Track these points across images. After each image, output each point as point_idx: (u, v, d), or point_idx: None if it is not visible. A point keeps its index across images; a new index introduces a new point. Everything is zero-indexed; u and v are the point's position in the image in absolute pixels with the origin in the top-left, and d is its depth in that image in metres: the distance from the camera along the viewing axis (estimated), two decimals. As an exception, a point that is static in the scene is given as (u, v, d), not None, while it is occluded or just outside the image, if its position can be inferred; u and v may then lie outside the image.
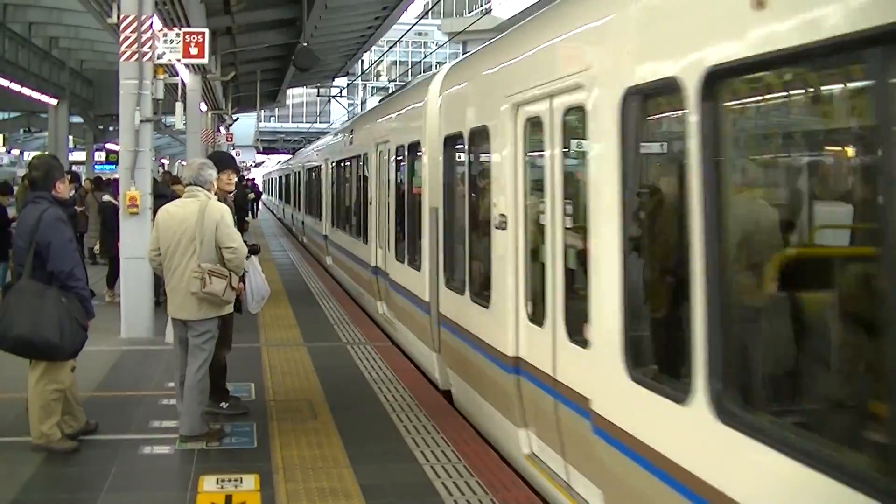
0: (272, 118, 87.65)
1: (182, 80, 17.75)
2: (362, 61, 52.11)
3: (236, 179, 8.69)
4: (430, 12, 67.53)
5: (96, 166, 41.09)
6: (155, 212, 8.86)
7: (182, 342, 7.59)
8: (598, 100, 5.30)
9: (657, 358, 4.97)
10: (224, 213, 7.50)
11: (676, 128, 4.58)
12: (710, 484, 4.04)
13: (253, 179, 65.76)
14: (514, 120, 7.00)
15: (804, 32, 3.45)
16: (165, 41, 12.77)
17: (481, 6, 72.71)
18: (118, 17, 12.06)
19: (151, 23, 12.07)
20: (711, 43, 4.13)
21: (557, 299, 6.19)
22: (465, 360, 8.50)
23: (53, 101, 30.78)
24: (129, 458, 7.19)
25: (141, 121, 11.90)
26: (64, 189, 7.50)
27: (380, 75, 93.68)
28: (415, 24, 28.40)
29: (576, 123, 5.93)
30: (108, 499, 6.33)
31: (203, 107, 26.41)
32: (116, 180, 17.36)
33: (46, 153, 13.06)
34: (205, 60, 13.58)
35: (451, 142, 9.19)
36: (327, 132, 37.55)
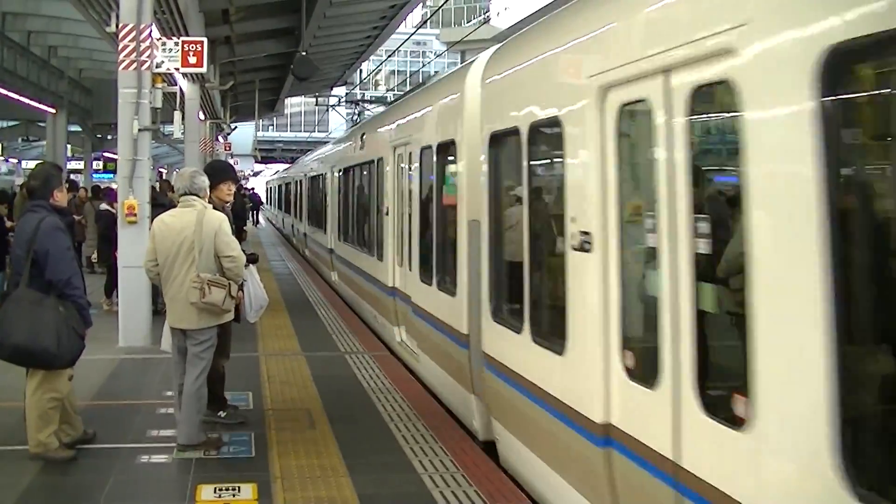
0: (270, 127, 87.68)
1: (180, 89, 17.77)
2: (361, 71, 52.19)
3: (234, 189, 8.69)
4: (428, 22, 67.66)
5: (94, 175, 41.06)
6: (153, 220, 8.84)
7: (181, 351, 7.58)
8: (767, 68, 3.74)
9: None
10: (222, 221, 7.48)
11: None
12: None
13: (253, 189, 65.79)
14: (600, 108, 5.30)
15: None
16: (164, 50, 12.79)
17: (480, 15, 72.86)
18: (117, 26, 12.08)
19: (150, 32, 12.08)
20: None
21: (683, 353, 4.42)
22: (520, 412, 6.89)
23: (52, 110, 30.74)
24: (127, 467, 7.18)
25: (139, 129, 11.90)
26: (62, 197, 7.49)
27: (378, 85, 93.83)
28: (413, 34, 28.42)
29: (714, 106, 4.47)
30: (105, 508, 6.31)
31: (201, 116, 26.45)
32: (112, 189, 17.41)
33: (48, 161, 12.99)
34: (203, 69, 13.60)
35: (499, 140, 7.57)
36: (326, 141, 37.38)
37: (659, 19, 4.81)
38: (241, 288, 7.91)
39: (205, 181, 7.77)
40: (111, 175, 38.35)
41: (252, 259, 8.53)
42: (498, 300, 7.54)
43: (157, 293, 12.46)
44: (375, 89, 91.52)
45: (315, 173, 25.26)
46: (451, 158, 9.33)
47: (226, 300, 7.38)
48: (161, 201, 13.01)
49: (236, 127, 45.17)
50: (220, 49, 24.27)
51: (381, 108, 26.20)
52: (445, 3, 30.85)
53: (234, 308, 7.70)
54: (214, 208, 7.80)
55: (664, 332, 4.58)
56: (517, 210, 7.24)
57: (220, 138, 38.04)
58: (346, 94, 57.23)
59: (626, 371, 5.09)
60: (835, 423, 3.24)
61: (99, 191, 19.72)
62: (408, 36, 28.61)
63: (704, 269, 4.34)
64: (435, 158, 9.89)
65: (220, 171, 8.52)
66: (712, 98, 4.39)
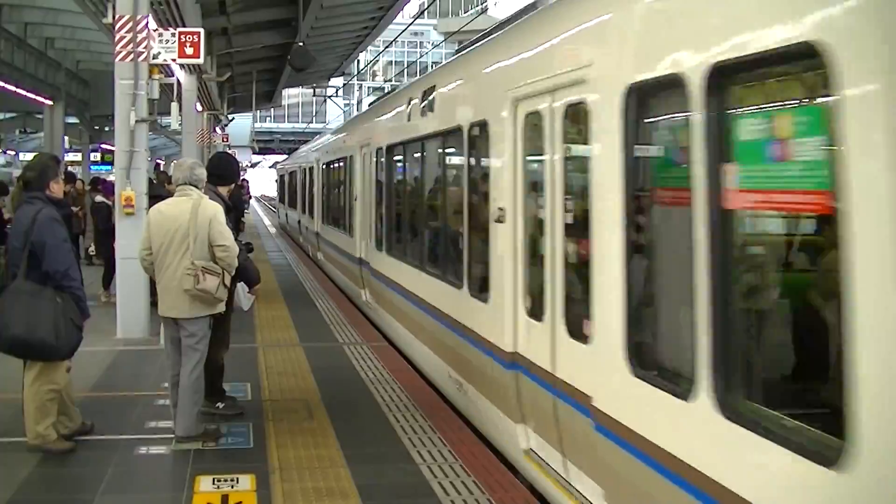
0: (268, 118, 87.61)
1: (178, 81, 17.74)
2: (358, 61, 52.09)
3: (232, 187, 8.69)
4: (425, 12, 67.50)
5: (92, 167, 41.04)
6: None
7: (174, 342, 7.57)
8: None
9: None
10: (217, 211, 7.48)
11: None
12: None
13: (245, 180, 65.69)
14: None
15: None
16: (161, 41, 12.76)
17: (477, 6, 72.70)
18: (113, 18, 12.04)
19: (147, 23, 12.05)
20: None
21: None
22: None
23: (49, 102, 30.70)
24: (126, 459, 7.18)
25: (136, 121, 11.89)
26: (58, 189, 7.48)
27: (375, 75, 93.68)
28: (410, 24, 28.35)
29: None
30: (104, 500, 6.31)
31: (199, 107, 26.40)
32: (104, 180, 17.39)
33: (46, 152, 13.01)
34: (200, 60, 13.57)
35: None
36: (323, 132, 37.01)
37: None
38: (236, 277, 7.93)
39: (203, 173, 7.77)
40: (109, 166, 38.32)
41: (247, 248, 8.53)
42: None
43: (154, 285, 12.46)
44: (373, 80, 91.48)
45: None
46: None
47: (219, 288, 7.36)
48: (158, 192, 12.97)
49: (234, 118, 45.11)
50: (217, 40, 24.21)
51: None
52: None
53: (226, 298, 7.69)
54: (211, 198, 7.79)
55: None
56: None
57: (217, 129, 37.99)
58: (344, 84, 57.18)
59: None
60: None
61: (98, 182, 19.66)
62: (405, 26, 28.55)
63: None
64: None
65: (223, 173, 8.45)
66: None
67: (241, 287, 8.19)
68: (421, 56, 73.02)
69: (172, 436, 7.49)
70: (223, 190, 8.25)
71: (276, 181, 52.01)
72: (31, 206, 7.18)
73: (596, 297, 5.41)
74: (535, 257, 6.76)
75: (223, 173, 8.19)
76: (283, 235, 34.85)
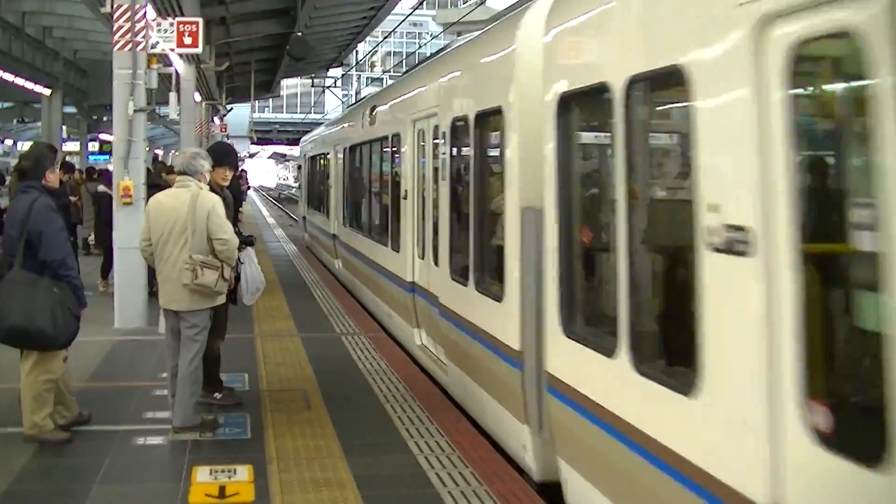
0: (266, 109, 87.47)
1: (176, 70, 17.72)
2: (357, 52, 51.97)
3: (232, 175, 8.63)
4: (424, 3, 67.42)
5: (90, 156, 41.01)
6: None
7: (174, 333, 7.56)
8: None
9: None
10: (216, 203, 7.43)
11: None
12: None
13: (244, 171, 65.54)
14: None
15: None
16: (159, 31, 12.73)
17: (476, -3, 72.57)
18: (112, 7, 12.01)
19: (145, 12, 12.02)
20: None
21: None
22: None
23: (47, 91, 30.65)
24: (123, 449, 7.17)
25: (135, 110, 11.85)
26: (54, 178, 7.46)
27: (374, 66, 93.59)
28: (409, 15, 28.25)
29: None
30: (100, 490, 6.31)
31: (197, 97, 26.36)
32: (106, 170, 17.36)
33: (42, 142, 12.96)
34: (199, 50, 13.55)
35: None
36: (321, 123, 36.83)
37: None
38: (237, 270, 7.89)
39: (204, 165, 7.69)
40: (107, 156, 38.25)
41: (249, 241, 8.49)
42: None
43: (152, 275, 12.44)
44: (371, 71, 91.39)
45: None
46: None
47: (218, 282, 7.34)
48: (156, 182, 12.95)
49: (232, 108, 45.02)
50: (215, 30, 24.13)
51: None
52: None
53: (226, 290, 7.67)
54: (212, 190, 7.75)
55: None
56: None
57: (216, 119, 37.98)
58: (343, 75, 57.10)
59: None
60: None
61: (93, 172, 19.62)
62: (404, 17, 28.48)
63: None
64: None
65: (223, 156, 8.44)
66: None
67: (245, 281, 8.15)
68: (420, 47, 72.94)
69: (170, 426, 7.48)
70: (220, 173, 8.20)
71: (301, 165, 33.64)
72: (27, 196, 7.16)
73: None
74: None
75: (213, 156, 8.11)
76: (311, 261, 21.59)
